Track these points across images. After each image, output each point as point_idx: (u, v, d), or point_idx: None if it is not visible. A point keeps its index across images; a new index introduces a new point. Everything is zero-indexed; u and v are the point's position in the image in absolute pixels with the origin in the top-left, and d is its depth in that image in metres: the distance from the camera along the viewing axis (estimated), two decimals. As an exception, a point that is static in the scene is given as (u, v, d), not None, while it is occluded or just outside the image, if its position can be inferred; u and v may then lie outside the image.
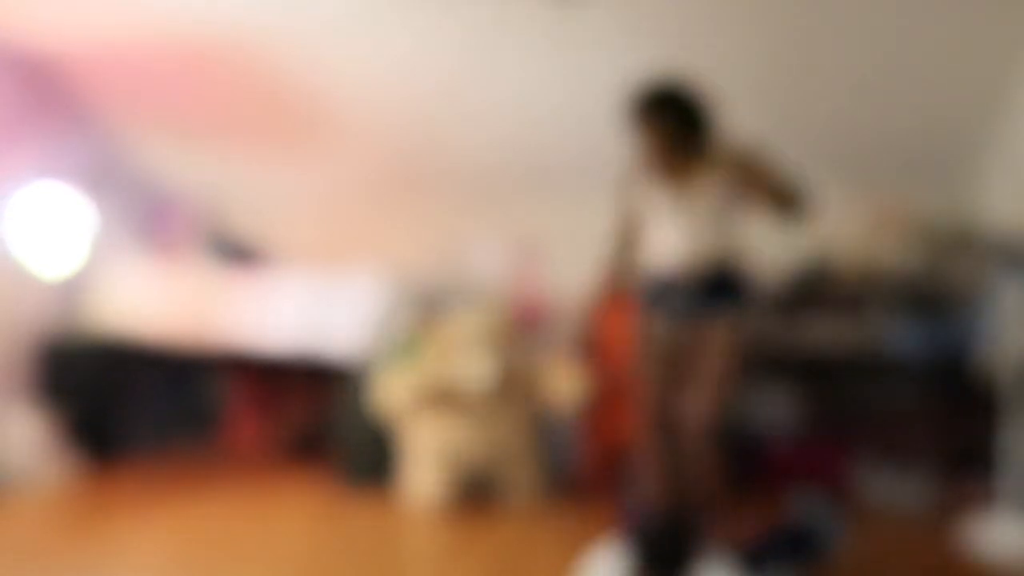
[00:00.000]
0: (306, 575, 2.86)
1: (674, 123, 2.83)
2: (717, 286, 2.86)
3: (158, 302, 4.50)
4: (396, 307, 4.30)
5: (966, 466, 3.97)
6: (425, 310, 4.40)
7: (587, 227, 4.92)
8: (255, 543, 3.19)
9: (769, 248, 4.37)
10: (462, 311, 4.24)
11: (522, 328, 4.35)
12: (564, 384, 3.93)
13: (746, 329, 2.92)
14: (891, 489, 4.08)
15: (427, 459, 3.92)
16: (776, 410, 4.41)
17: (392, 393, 3.91)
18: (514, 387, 3.91)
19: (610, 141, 4.51)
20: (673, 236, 2.91)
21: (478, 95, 4.32)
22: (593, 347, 4.37)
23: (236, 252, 5.05)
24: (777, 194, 2.72)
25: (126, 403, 4.65)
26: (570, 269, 4.74)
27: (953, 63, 3.69)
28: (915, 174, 4.32)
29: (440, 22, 3.84)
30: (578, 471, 4.33)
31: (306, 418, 4.97)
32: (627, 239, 3.08)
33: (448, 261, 5.00)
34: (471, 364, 3.82)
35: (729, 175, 2.82)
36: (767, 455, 4.25)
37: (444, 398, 3.87)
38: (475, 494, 3.95)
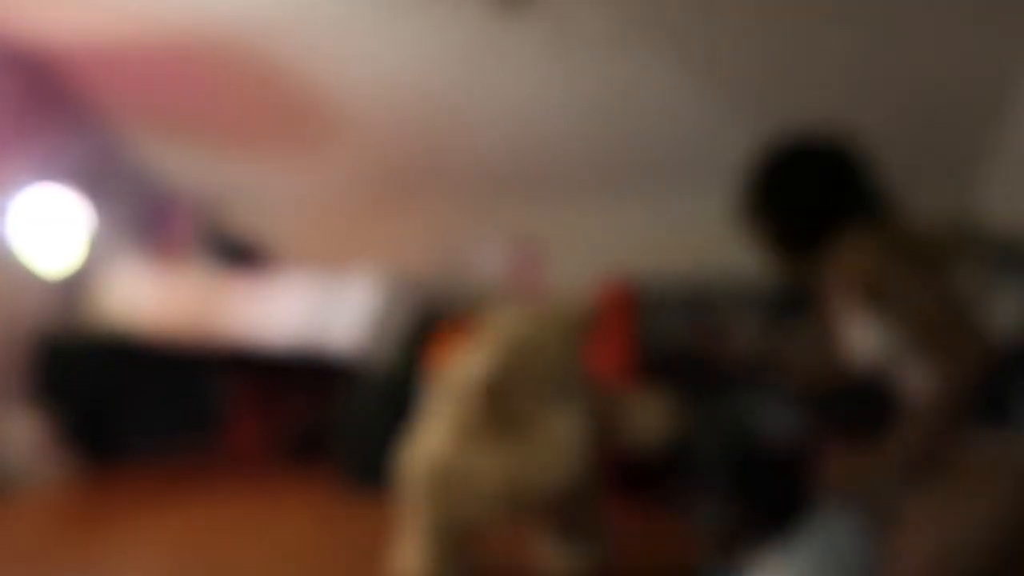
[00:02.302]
0: None
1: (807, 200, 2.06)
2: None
3: (158, 302, 4.49)
4: (396, 307, 4.30)
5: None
6: (424, 311, 4.39)
7: (587, 227, 4.94)
8: (256, 544, 3.19)
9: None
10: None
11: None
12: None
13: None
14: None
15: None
16: (776, 416, 4.39)
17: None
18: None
19: (609, 142, 4.54)
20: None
21: (478, 95, 4.32)
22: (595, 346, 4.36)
23: (236, 252, 5.05)
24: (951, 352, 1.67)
25: (126, 403, 4.64)
26: (570, 269, 4.74)
27: (955, 64, 3.69)
28: (915, 175, 4.31)
29: (441, 23, 3.84)
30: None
31: (307, 419, 4.96)
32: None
33: (448, 261, 5.00)
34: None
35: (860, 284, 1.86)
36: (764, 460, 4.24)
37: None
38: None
